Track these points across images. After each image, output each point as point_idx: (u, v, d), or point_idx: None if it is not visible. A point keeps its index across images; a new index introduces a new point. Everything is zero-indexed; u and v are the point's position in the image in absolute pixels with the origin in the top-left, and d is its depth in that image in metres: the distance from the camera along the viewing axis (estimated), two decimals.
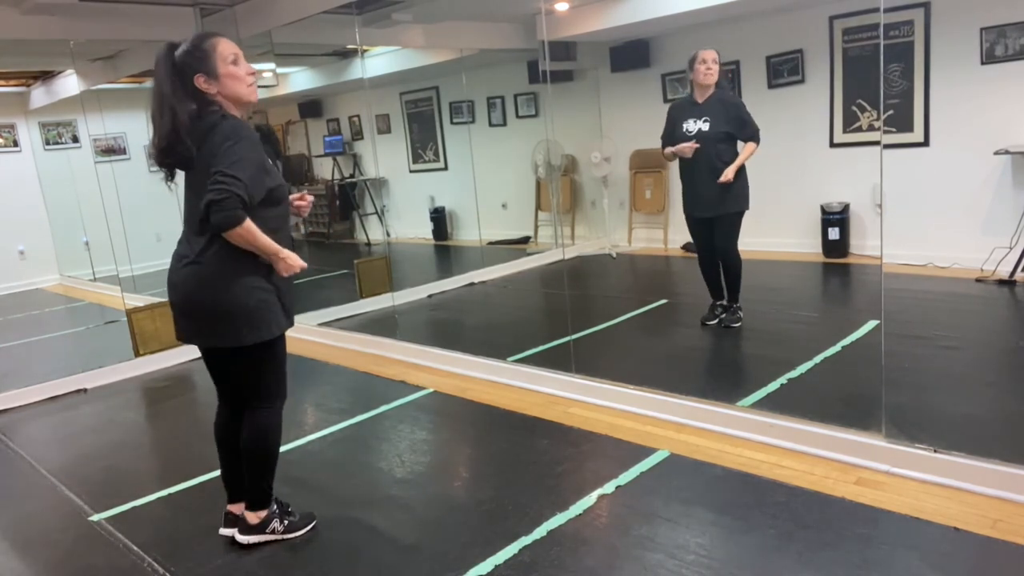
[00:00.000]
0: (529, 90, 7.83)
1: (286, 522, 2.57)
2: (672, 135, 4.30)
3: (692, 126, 4.18)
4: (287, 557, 2.48)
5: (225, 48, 2.31)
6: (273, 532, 2.54)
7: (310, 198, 2.57)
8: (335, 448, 3.38)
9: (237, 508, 2.58)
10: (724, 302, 4.45)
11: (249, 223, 2.21)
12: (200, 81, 2.28)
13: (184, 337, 2.43)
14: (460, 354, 4.31)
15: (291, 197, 2.48)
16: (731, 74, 4.26)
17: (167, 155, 2.29)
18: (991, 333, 4.20)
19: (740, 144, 4.20)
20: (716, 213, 4.22)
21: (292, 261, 2.36)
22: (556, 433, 3.27)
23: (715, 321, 4.44)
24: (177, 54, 2.29)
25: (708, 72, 4.12)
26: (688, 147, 4.16)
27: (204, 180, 2.22)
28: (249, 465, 2.50)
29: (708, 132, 4.13)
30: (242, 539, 2.53)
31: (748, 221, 4.31)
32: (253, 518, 2.53)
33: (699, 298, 4.59)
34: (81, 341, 6.26)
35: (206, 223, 2.22)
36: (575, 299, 5.53)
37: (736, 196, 4.18)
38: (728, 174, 4.06)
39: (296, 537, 2.56)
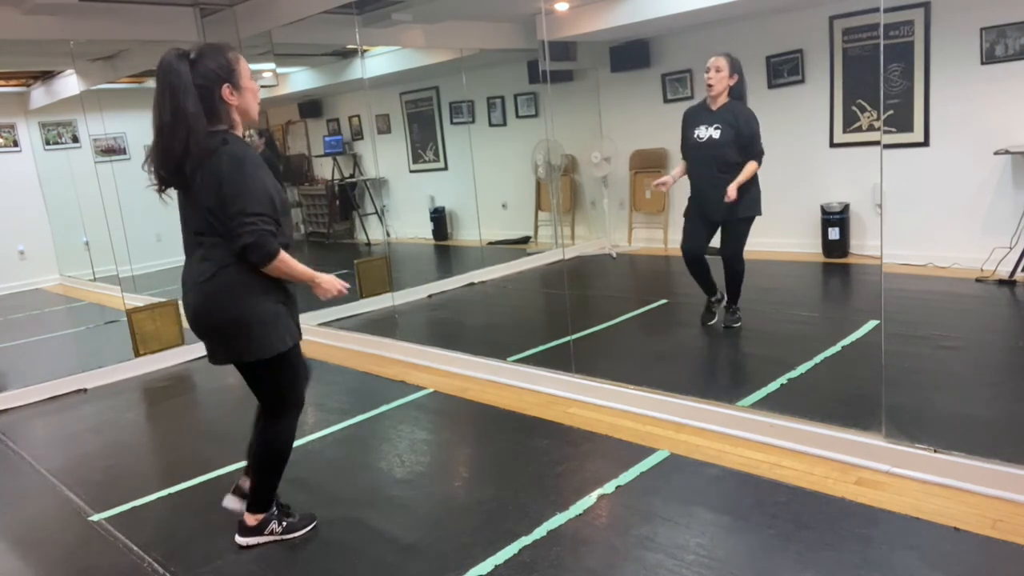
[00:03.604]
0: (529, 90, 7.83)
1: (284, 523, 2.57)
2: (685, 140, 4.30)
3: (703, 132, 4.16)
4: (287, 557, 2.48)
5: (244, 62, 2.32)
6: (271, 533, 2.54)
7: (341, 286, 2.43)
8: (335, 448, 3.38)
9: (246, 482, 2.59)
10: (717, 296, 4.43)
11: (283, 254, 2.26)
12: (227, 92, 2.26)
13: (211, 359, 2.42)
14: (460, 354, 4.31)
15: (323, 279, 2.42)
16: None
17: (173, 176, 2.24)
18: (991, 333, 4.20)
19: None
20: (726, 218, 4.21)
21: (328, 285, 2.39)
22: (556, 433, 3.27)
23: (715, 319, 4.43)
24: (203, 64, 2.22)
25: (709, 80, 4.11)
26: (667, 182, 4.32)
27: (206, 202, 2.22)
28: (257, 469, 2.51)
29: (719, 140, 4.10)
30: (241, 541, 2.53)
31: None
32: (251, 520, 2.53)
33: (699, 298, 4.58)
34: (81, 341, 6.26)
35: (214, 245, 2.24)
36: (575, 299, 5.53)
37: (747, 202, 4.16)
38: (731, 192, 4.03)
39: (295, 538, 2.56)
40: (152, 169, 2.28)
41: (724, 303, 4.45)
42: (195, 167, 2.20)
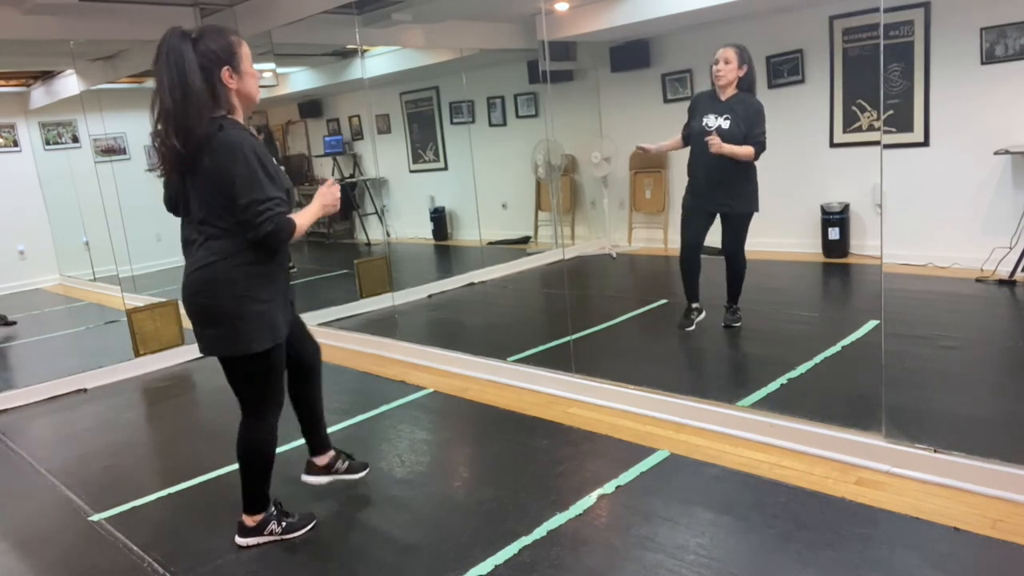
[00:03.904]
0: (529, 90, 7.83)
1: (284, 523, 2.57)
2: (691, 127, 4.24)
3: (712, 121, 4.08)
4: (287, 557, 2.48)
5: (246, 47, 2.30)
6: (271, 533, 2.54)
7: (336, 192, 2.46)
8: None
9: (320, 459, 2.80)
10: (697, 306, 4.41)
11: (297, 220, 2.29)
12: (226, 75, 2.24)
13: (199, 347, 2.41)
14: (460, 354, 4.31)
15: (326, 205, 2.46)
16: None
17: (192, 155, 2.20)
18: (991, 333, 4.20)
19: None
20: (726, 211, 4.18)
21: (332, 201, 2.42)
22: (556, 433, 3.27)
23: (692, 327, 4.39)
24: (204, 44, 2.21)
25: (718, 72, 4.05)
26: (648, 149, 4.41)
27: (207, 190, 2.22)
28: (241, 471, 2.51)
29: (728, 130, 4.02)
30: (240, 541, 2.54)
31: None
32: (249, 521, 2.53)
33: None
34: (81, 341, 6.25)
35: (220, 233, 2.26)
36: (575, 299, 5.53)
37: (747, 197, 4.14)
38: (722, 144, 3.93)
39: (295, 538, 2.56)
40: (163, 151, 2.22)
41: (702, 311, 4.42)
42: (200, 151, 2.19)
